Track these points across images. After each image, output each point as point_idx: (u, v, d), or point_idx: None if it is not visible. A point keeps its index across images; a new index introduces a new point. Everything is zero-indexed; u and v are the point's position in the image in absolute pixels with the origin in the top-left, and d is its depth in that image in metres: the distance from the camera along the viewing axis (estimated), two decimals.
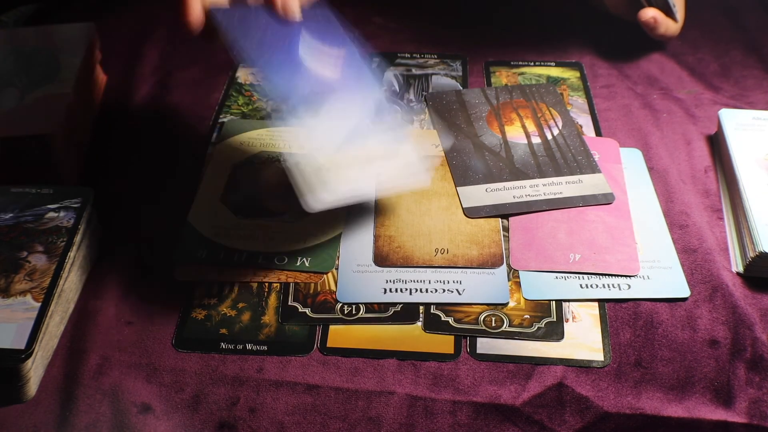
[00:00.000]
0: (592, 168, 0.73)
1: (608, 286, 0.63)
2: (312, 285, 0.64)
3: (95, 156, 0.78)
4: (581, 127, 0.80)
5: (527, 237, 0.67)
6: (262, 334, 0.61)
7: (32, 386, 0.57)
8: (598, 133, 0.79)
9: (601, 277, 0.64)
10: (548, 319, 0.62)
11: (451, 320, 0.62)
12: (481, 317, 0.62)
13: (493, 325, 0.61)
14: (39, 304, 0.58)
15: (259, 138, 0.78)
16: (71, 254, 0.62)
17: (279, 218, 0.69)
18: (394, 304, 0.63)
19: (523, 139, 0.76)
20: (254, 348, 0.60)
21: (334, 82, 0.60)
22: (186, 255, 0.66)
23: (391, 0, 0.99)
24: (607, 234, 0.67)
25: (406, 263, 0.65)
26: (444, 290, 0.63)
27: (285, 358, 0.60)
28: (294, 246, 0.66)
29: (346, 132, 0.58)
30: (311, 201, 0.55)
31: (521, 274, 0.65)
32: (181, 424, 0.56)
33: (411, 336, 0.61)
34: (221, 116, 0.82)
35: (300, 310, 0.63)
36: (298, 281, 0.65)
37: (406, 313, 0.62)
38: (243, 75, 0.88)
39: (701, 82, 0.86)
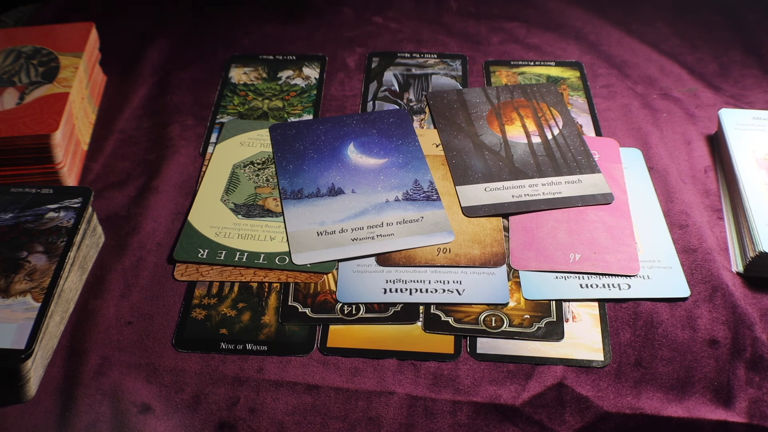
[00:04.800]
0: (592, 168, 0.73)
1: (608, 286, 0.63)
2: (312, 285, 0.64)
3: (95, 156, 0.78)
4: (581, 126, 0.80)
5: (527, 237, 0.67)
6: (262, 334, 0.61)
7: (32, 386, 0.57)
8: (598, 132, 0.79)
9: (601, 277, 0.64)
10: (548, 319, 0.62)
11: (451, 320, 0.62)
12: (481, 317, 0.62)
13: (493, 325, 0.61)
14: (39, 304, 0.58)
15: (259, 138, 0.78)
16: (71, 254, 0.62)
17: (279, 218, 0.69)
18: (394, 304, 0.63)
19: (524, 139, 0.76)
20: (254, 348, 0.60)
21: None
22: (186, 255, 0.66)
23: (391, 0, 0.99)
24: (607, 234, 0.67)
25: (409, 263, 0.65)
26: (444, 290, 0.63)
27: (285, 358, 0.60)
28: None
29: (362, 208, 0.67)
30: (296, 258, 0.65)
31: (521, 274, 0.65)
32: (181, 424, 0.56)
33: (411, 336, 0.61)
34: (218, 116, 0.82)
35: (300, 310, 0.63)
36: (298, 281, 0.65)
37: (406, 313, 0.62)
38: (236, 75, 0.88)
39: (701, 81, 0.86)
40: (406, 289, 0.63)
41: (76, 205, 0.66)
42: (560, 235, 0.67)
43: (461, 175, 0.73)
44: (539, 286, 0.64)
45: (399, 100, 0.83)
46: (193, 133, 0.80)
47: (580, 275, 0.64)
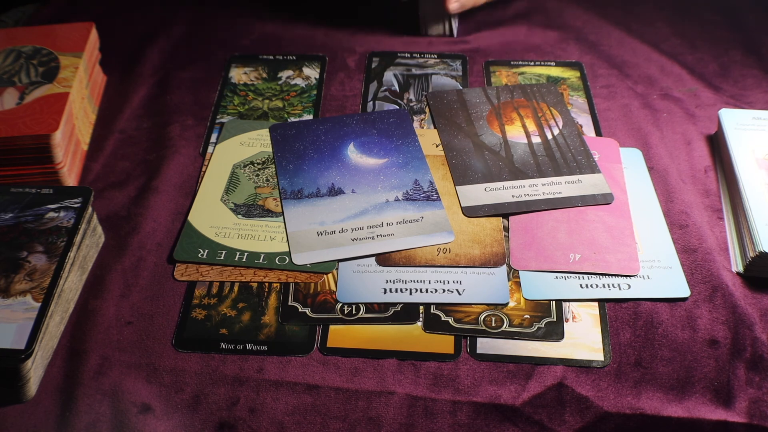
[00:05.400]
0: (592, 168, 0.73)
1: (608, 286, 0.63)
2: (312, 285, 0.64)
3: (95, 156, 0.78)
4: (581, 126, 0.80)
5: (527, 237, 0.67)
6: (262, 334, 0.61)
7: (32, 386, 0.57)
8: (598, 133, 0.79)
9: (601, 277, 0.64)
10: (548, 319, 0.62)
11: (451, 320, 0.62)
12: (481, 317, 0.62)
13: (493, 325, 0.61)
14: (39, 304, 0.58)
15: (259, 138, 0.78)
16: (71, 254, 0.62)
17: (279, 218, 0.69)
18: (394, 304, 0.63)
19: (523, 139, 0.76)
20: (254, 348, 0.60)
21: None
22: (186, 255, 0.66)
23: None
24: (607, 234, 0.67)
25: (409, 263, 0.65)
26: (444, 290, 0.63)
27: (285, 358, 0.60)
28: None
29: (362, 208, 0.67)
30: (296, 258, 0.65)
31: (521, 274, 0.65)
32: (181, 424, 0.56)
33: (411, 336, 0.61)
34: (218, 116, 0.82)
35: (300, 310, 0.63)
36: (298, 281, 0.65)
37: (406, 313, 0.62)
38: (237, 75, 0.88)
39: (701, 81, 0.86)
40: (406, 289, 0.63)
41: (76, 205, 0.66)
42: (560, 235, 0.67)
43: (461, 175, 0.73)
44: (539, 286, 0.64)
45: (399, 100, 0.83)
46: (193, 133, 0.80)
47: (580, 275, 0.64)
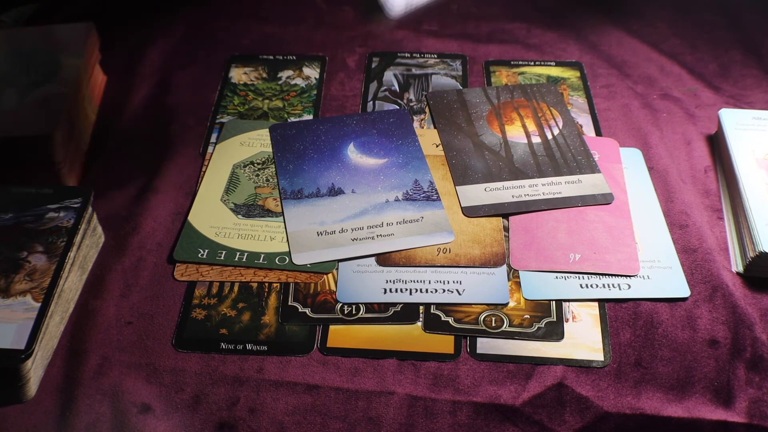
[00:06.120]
0: (592, 168, 0.73)
1: (608, 286, 0.63)
2: (312, 285, 0.64)
3: (95, 156, 0.78)
4: (581, 126, 0.80)
5: (527, 237, 0.67)
6: (262, 334, 0.61)
7: (32, 386, 0.57)
8: (598, 132, 0.79)
9: (601, 277, 0.64)
10: (548, 319, 0.62)
11: (451, 320, 0.62)
12: (481, 317, 0.62)
13: (493, 325, 0.61)
14: (39, 304, 0.58)
15: (259, 138, 0.78)
16: (71, 254, 0.62)
17: (279, 218, 0.69)
18: (394, 304, 0.63)
19: (523, 139, 0.76)
20: (254, 348, 0.60)
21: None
22: (186, 255, 0.66)
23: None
24: (607, 234, 0.67)
25: (409, 263, 0.65)
26: (444, 290, 0.63)
27: (285, 358, 0.60)
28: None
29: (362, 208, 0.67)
30: (296, 258, 0.65)
31: (521, 274, 0.65)
32: (181, 424, 0.56)
33: (411, 336, 0.61)
34: (218, 116, 0.82)
35: (300, 310, 0.63)
36: (298, 281, 0.65)
37: (406, 313, 0.62)
38: (237, 75, 0.88)
39: (701, 81, 0.86)
40: (406, 289, 0.63)
41: (76, 205, 0.66)
42: (560, 235, 0.67)
43: (461, 175, 0.73)
44: (539, 286, 0.64)
45: (399, 100, 0.83)
46: (193, 133, 0.80)
47: (580, 275, 0.64)
